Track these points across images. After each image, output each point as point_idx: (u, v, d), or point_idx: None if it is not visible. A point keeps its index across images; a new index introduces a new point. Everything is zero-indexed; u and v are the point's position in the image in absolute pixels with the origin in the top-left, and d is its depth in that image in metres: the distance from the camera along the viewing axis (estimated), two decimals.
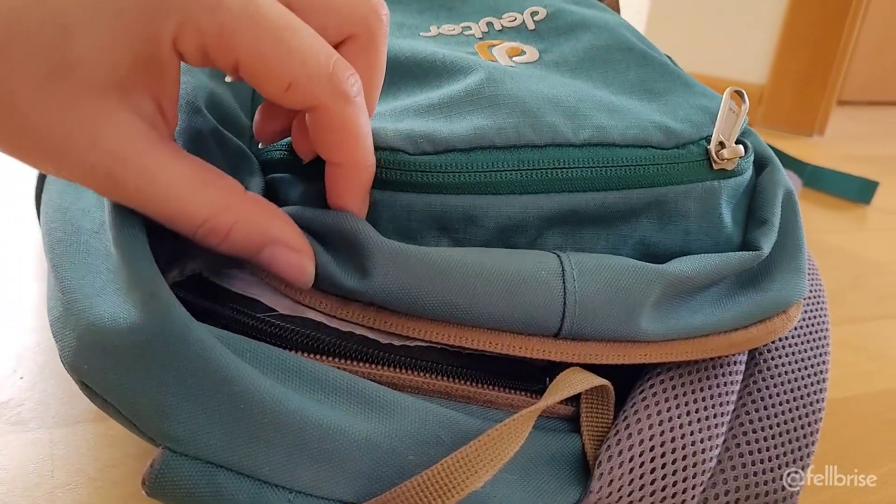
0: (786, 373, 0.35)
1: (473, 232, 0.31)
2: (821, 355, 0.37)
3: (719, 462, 0.31)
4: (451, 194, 0.30)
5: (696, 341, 0.31)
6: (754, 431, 0.32)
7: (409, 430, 0.27)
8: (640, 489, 0.29)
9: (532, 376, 0.32)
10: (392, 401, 0.27)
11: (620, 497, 0.29)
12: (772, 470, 0.31)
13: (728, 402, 0.32)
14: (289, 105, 0.26)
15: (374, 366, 0.29)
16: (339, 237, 0.29)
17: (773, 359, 0.35)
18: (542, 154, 0.31)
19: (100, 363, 0.27)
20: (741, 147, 0.33)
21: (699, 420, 0.31)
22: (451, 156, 0.30)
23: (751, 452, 0.31)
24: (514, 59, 0.39)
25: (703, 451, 0.30)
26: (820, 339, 0.38)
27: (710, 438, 0.31)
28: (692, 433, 0.30)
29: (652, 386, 0.31)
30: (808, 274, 0.41)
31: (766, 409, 0.33)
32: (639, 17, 1.74)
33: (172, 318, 0.26)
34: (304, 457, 0.26)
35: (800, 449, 0.33)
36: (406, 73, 0.37)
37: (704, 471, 0.30)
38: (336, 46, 0.28)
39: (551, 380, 0.32)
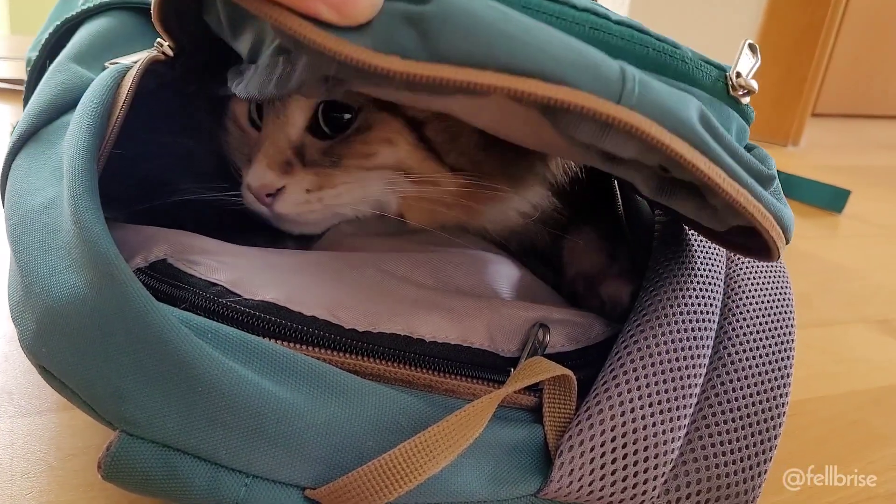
0: (749, 367, 0.35)
1: None
2: (785, 351, 0.37)
3: (682, 455, 0.31)
4: None
5: None
6: (717, 425, 0.32)
7: (368, 415, 0.27)
8: (601, 479, 0.29)
9: (496, 367, 0.32)
10: (353, 386, 0.27)
11: (581, 487, 0.29)
12: (734, 462, 0.31)
13: (691, 394, 0.32)
14: None
15: (336, 352, 0.29)
16: None
17: (736, 353, 0.35)
18: (581, 15, 0.28)
19: (58, 346, 0.27)
20: (755, 83, 0.32)
21: (661, 412, 0.31)
22: None
23: (713, 445, 0.32)
24: None
25: (665, 442, 0.30)
26: (785, 335, 0.38)
27: (672, 430, 0.31)
28: (654, 425, 0.30)
29: (615, 378, 0.31)
30: (777, 274, 0.42)
31: (728, 402, 0.33)
32: None
33: (131, 300, 0.26)
34: (262, 440, 0.26)
35: (762, 443, 0.33)
36: None
37: (666, 462, 0.30)
38: None
39: (514, 370, 0.32)
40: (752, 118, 0.33)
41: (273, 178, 0.39)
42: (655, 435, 0.30)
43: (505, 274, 0.40)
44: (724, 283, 0.39)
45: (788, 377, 0.36)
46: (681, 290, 0.36)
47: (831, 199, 1.00)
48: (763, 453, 0.33)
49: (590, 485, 0.29)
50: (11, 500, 0.34)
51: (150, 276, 0.32)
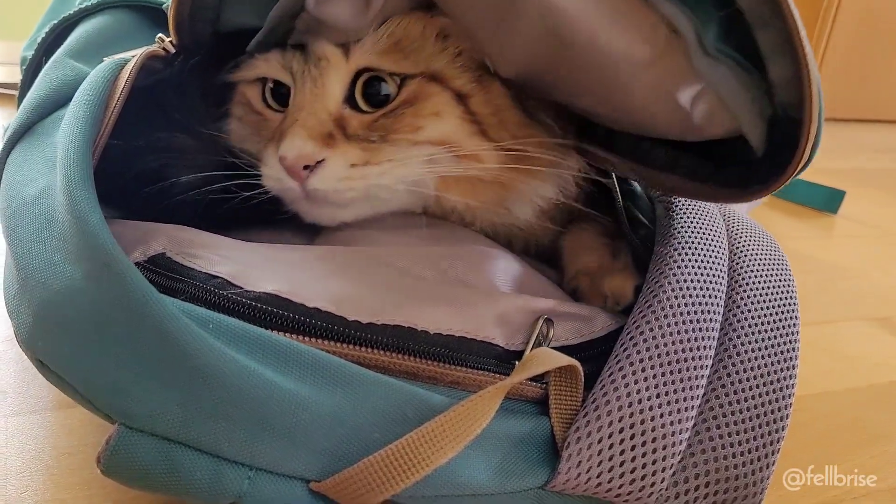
0: (756, 358, 0.35)
1: None
2: (790, 342, 0.37)
3: (689, 447, 0.31)
4: None
5: None
6: (724, 416, 0.32)
7: (374, 406, 0.26)
8: (609, 471, 0.29)
9: (501, 359, 0.31)
10: (358, 376, 0.27)
11: (589, 479, 0.29)
12: (742, 454, 0.31)
13: (698, 385, 0.32)
14: None
15: (339, 343, 0.29)
16: None
17: (742, 344, 0.35)
18: None
19: (55, 339, 0.27)
20: None
21: (668, 403, 0.30)
22: None
23: (721, 436, 0.31)
24: None
25: (673, 434, 0.30)
26: (789, 326, 0.38)
27: (679, 422, 0.30)
28: (661, 416, 0.30)
29: (622, 369, 0.31)
30: (780, 266, 0.42)
31: (735, 393, 0.33)
32: None
33: (130, 290, 0.25)
34: (266, 432, 0.25)
35: (770, 433, 0.32)
36: None
37: (674, 454, 0.30)
38: None
39: (519, 363, 0.32)
40: None
41: (313, 148, 0.37)
42: (664, 426, 0.30)
43: (507, 268, 0.40)
44: (728, 275, 0.39)
45: (794, 367, 0.36)
46: (685, 281, 0.35)
47: (826, 201, 1.00)
48: (771, 444, 0.32)
49: (598, 477, 0.29)
50: (6, 499, 0.33)
51: (150, 270, 0.31)
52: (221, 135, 0.44)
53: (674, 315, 0.33)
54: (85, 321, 0.26)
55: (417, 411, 0.27)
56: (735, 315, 0.37)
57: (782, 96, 0.30)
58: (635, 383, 0.30)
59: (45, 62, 0.41)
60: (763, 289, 0.39)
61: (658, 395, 0.30)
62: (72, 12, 0.46)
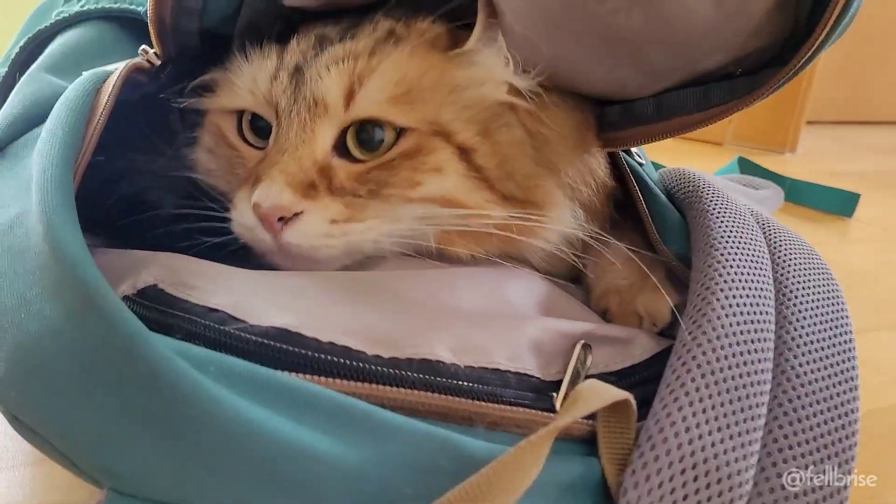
0: (816, 380, 0.31)
1: None
2: (849, 360, 0.34)
3: (756, 485, 0.27)
4: None
5: None
6: (790, 448, 0.28)
7: (403, 456, 0.23)
8: None
9: (538, 390, 0.28)
10: (383, 422, 0.23)
11: None
12: (814, 491, 0.28)
13: (759, 415, 0.29)
14: None
15: (360, 383, 0.25)
16: None
17: (799, 364, 0.32)
18: None
19: (30, 389, 0.23)
20: None
21: (731, 437, 0.27)
22: None
23: (790, 472, 0.28)
24: None
25: (739, 472, 0.26)
26: (845, 340, 0.35)
27: (744, 458, 0.27)
28: (725, 452, 0.26)
29: (676, 399, 0.27)
30: (825, 276, 0.39)
31: (799, 422, 0.29)
32: None
33: (117, 330, 0.22)
34: (276, 490, 0.22)
35: (840, 466, 0.29)
36: None
37: (741, 495, 0.26)
38: None
39: (557, 395, 0.29)
40: None
41: (291, 198, 0.33)
42: (728, 463, 0.26)
43: (531, 287, 0.36)
44: (774, 287, 0.36)
45: (856, 387, 0.33)
46: (734, 297, 0.32)
47: (841, 204, 0.98)
48: (842, 476, 0.29)
49: None
50: None
51: (140, 304, 0.28)
52: (186, 165, 0.40)
53: (726, 336, 0.30)
54: (64, 367, 0.22)
55: (453, 460, 0.23)
56: (788, 332, 0.33)
57: None
58: (693, 416, 0.27)
59: (20, 78, 0.38)
60: (813, 301, 0.36)
61: (720, 429, 0.27)
62: (47, 24, 0.42)
